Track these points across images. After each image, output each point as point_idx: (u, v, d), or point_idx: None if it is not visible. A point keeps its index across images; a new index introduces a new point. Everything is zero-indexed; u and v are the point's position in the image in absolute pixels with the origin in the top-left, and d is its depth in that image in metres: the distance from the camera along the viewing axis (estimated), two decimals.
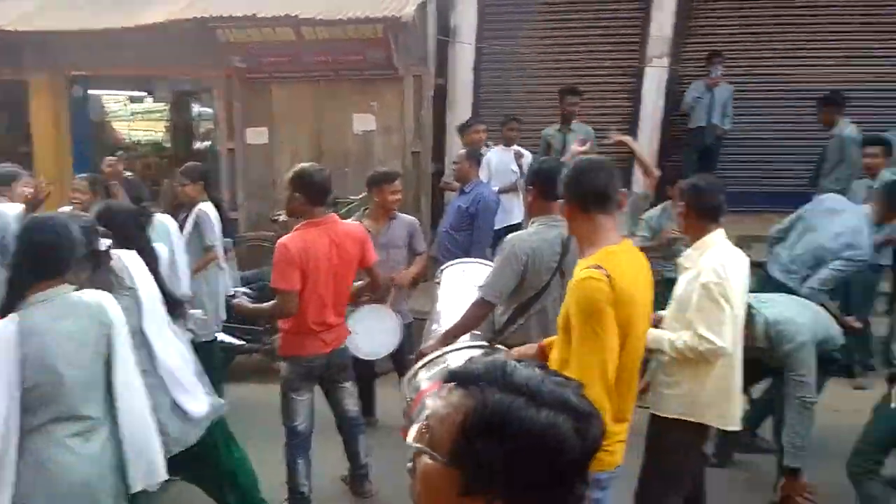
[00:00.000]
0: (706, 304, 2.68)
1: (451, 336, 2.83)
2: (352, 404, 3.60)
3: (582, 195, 2.19)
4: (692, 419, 2.80)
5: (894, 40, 6.72)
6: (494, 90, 7.36)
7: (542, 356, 2.40)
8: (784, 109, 6.92)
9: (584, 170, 2.24)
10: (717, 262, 2.74)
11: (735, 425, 2.91)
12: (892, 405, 3.09)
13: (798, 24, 6.79)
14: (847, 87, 6.73)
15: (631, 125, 7.29)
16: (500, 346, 2.58)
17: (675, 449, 2.87)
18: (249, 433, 3.30)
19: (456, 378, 0.90)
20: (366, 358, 3.84)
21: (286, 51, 6.64)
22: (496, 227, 5.25)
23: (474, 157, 5.01)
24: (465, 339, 2.82)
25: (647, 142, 7.19)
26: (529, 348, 2.40)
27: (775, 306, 3.21)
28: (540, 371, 0.89)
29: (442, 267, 3.63)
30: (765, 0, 6.79)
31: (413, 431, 0.92)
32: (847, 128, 5.81)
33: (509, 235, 3.05)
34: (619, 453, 2.25)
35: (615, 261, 2.10)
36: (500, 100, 7.30)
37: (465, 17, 7.14)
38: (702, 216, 2.88)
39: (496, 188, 5.57)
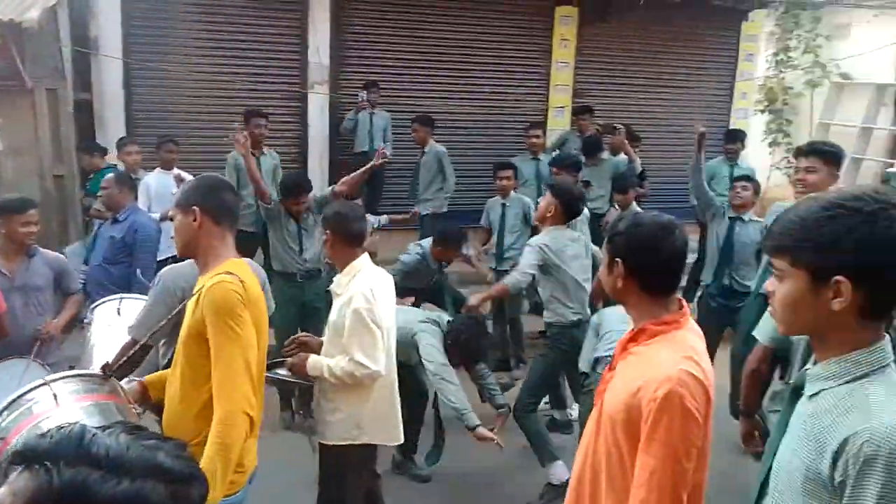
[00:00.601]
0: (359, 330, 2.76)
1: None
2: None
3: (217, 207, 2.21)
4: (359, 442, 2.90)
5: (509, 81, 8.01)
6: (150, 109, 6.84)
7: (143, 394, 2.32)
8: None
9: (218, 185, 2.29)
10: (365, 286, 2.83)
11: (399, 440, 3.11)
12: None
13: (436, 60, 7.66)
14: (482, 117, 7.86)
15: (301, 148, 7.45)
16: (120, 384, 2.31)
17: (347, 473, 2.96)
18: None
19: (21, 458, 0.77)
20: None
21: None
22: (162, 257, 4.87)
23: (126, 182, 4.57)
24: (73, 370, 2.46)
25: (316, 164, 7.43)
26: (132, 389, 2.28)
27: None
28: (127, 436, 0.80)
29: (93, 305, 3.23)
30: (407, 38, 7.50)
31: None
32: (437, 146, 6.59)
33: (164, 269, 2.86)
34: (250, 471, 2.23)
35: (242, 271, 2.17)
36: (158, 119, 6.81)
37: (108, 29, 6.50)
38: (348, 242, 2.93)
39: (157, 214, 5.17)
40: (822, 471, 1.26)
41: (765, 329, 2.83)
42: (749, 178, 5.09)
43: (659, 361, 1.76)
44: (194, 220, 2.15)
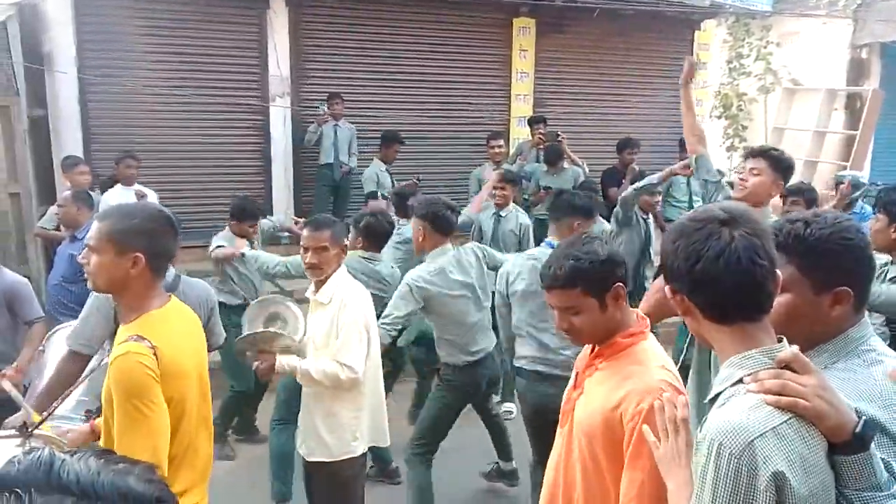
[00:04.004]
0: (352, 335, 2.77)
1: (46, 399, 2.46)
2: None
3: (161, 254, 1.95)
4: (357, 454, 2.90)
5: (471, 91, 8.08)
6: (107, 124, 6.76)
7: (95, 437, 2.10)
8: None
9: (165, 227, 1.98)
10: (358, 293, 2.91)
11: (387, 442, 3.16)
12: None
13: (397, 71, 7.68)
14: (444, 127, 7.91)
15: (264, 162, 7.43)
16: (41, 432, 2.13)
17: (348, 487, 2.92)
18: None
19: None
20: None
21: None
22: None
23: (82, 199, 4.53)
24: None
25: (281, 177, 7.41)
26: (80, 431, 2.11)
27: None
28: (97, 461, 0.79)
29: (50, 332, 3.08)
30: (368, 49, 7.52)
31: None
32: None
33: None
34: None
35: (159, 327, 1.90)
36: (115, 134, 6.73)
37: (61, 43, 6.41)
38: (343, 248, 2.96)
39: None
40: None
41: None
42: (800, 191, 4.85)
43: (636, 374, 1.76)
44: (132, 266, 1.88)
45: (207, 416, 2.14)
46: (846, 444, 1.20)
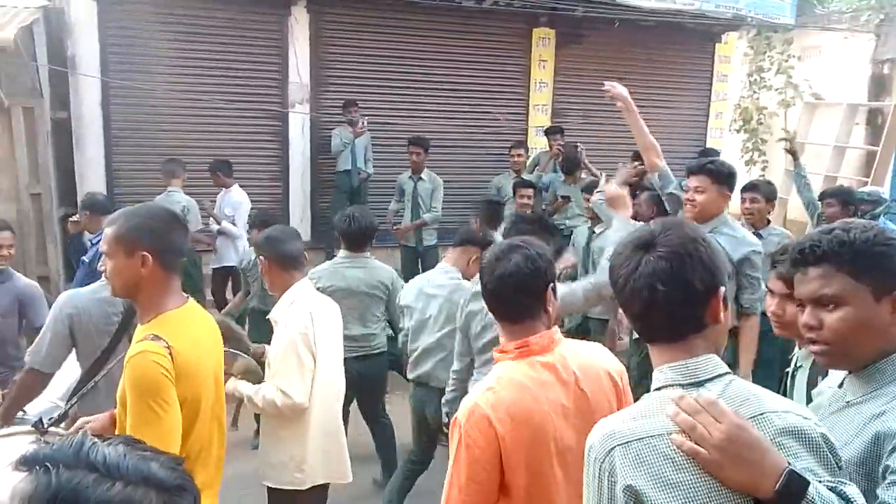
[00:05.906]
0: (290, 357, 2.61)
1: (7, 411, 2.54)
2: None
3: (169, 251, 1.94)
4: (305, 487, 2.72)
5: (490, 100, 8.08)
6: (129, 128, 6.82)
7: (110, 427, 2.09)
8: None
9: (171, 224, 1.99)
10: (304, 312, 2.69)
11: (348, 478, 2.90)
12: None
13: (417, 79, 7.71)
14: (464, 136, 7.91)
15: (282, 167, 7.46)
16: (55, 429, 2.20)
17: None
18: None
19: (23, 462, 0.82)
20: None
21: None
22: (217, 265, 5.08)
23: (87, 205, 4.55)
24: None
25: (298, 183, 7.45)
26: (100, 419, 2.07)
27: None
28: (125, 446, 0.85)
29: None
30: (387, 57, 7.54)
31: None
32: None
33: (63, 293, 2.79)
34: None
35: (176, 328, 1.91)
36: (137, 138, 6.79)
37: (86, 48, 6.50)
38: (283, 266, 2.77)
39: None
40: None
41: None
42: (755, 186, 4.89)
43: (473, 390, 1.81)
44: (142, 266, 1.90)
45: (221, 418, 2.13)
46: (770, 501, 1.09)
